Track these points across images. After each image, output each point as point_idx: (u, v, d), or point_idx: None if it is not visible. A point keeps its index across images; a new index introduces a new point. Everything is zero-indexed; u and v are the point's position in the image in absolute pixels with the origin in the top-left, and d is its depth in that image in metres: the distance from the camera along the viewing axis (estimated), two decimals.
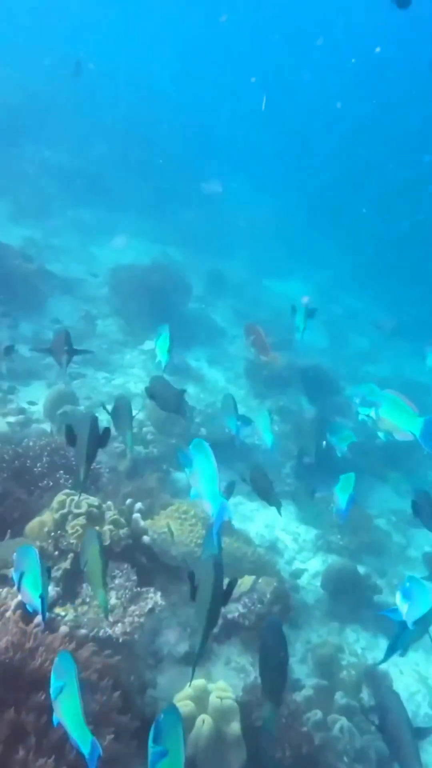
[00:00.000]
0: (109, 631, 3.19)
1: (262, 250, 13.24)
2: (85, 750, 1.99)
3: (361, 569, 5.35)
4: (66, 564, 3.57)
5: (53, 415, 5.69)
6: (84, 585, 3.49)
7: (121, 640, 3.18)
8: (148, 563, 3.83)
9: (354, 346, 11.12)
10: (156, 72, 17.81)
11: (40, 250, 9.22)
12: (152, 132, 14.77)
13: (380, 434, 3.69)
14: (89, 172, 12.48)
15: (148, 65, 18.38)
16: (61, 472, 4.40)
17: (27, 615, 2.84)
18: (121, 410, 4.01)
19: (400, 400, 3.41)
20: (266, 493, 3.94)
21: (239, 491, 6.20)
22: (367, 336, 11.25)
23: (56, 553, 3.60)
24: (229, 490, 4.31)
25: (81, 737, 2.01)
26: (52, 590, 3.16)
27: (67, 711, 2.04)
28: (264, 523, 5.94)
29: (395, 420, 3.44)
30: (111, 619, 3.26)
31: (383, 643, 4.73)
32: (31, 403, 6.01)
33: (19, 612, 2.65)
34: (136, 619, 3.31)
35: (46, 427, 5.56)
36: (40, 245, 9.32)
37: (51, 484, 4.31)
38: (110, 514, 3.77)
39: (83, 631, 3.01)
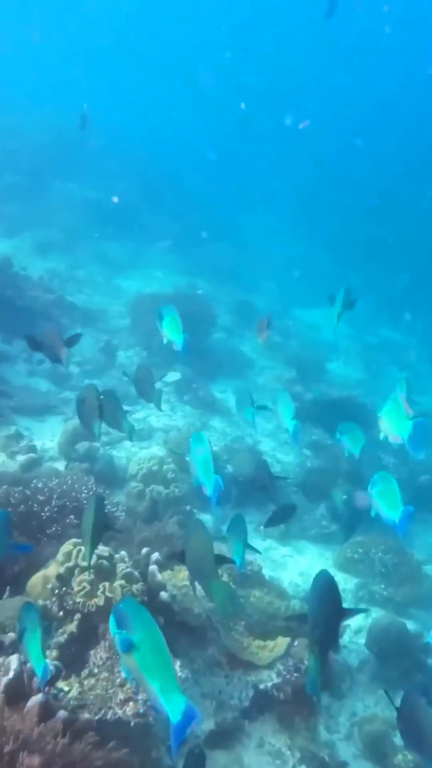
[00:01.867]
0: (119, 713, 2.69)
1: (291, 282, 12.92)
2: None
3: (411, 625, 4.72)
4: (72, 627, 3.10)
5: (68, 452, 5.29)
6: (92, 652, 3.01)
7: (132, 724, 2.67)
8: (166, 624, 3.32)
9: (391, 377, 10.54)
10: (182, 107, 17.94)
11: (62, 282, 9.02)
12: (181, 167, 14.78)
13: (380, 436, 3.50)
14: (117, 207, 12.41)
15: (174, 104, 18.58)
16: (72, 517, 3.96)
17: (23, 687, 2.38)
18: (86, 401, 3.43)
19: (400, 403, 3.31)
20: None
21: (270, 535, 5.67)
22: (406, 366, 10.69)
23: (61, 613, 3.14)
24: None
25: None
26: (52, 664, 2.66)
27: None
28: (298, 570, 5.37)
29: (390, 422, 3.36)
30: (121, 696, 2.76)
31: None
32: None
33: (2, 697, 2.18)
34: None
35: (60, 465, 5.16)
36: (63, 277, 9.12)
37: (60, 530, 3.87)
38: (122, 567, 3.30)
39: (86, 716, 2.51)
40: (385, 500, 3.12)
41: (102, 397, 3.43)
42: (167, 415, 6.69)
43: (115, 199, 11.55)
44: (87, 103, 8.11)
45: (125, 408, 3.72)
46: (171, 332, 3.90)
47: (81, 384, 6.86)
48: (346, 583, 5.30)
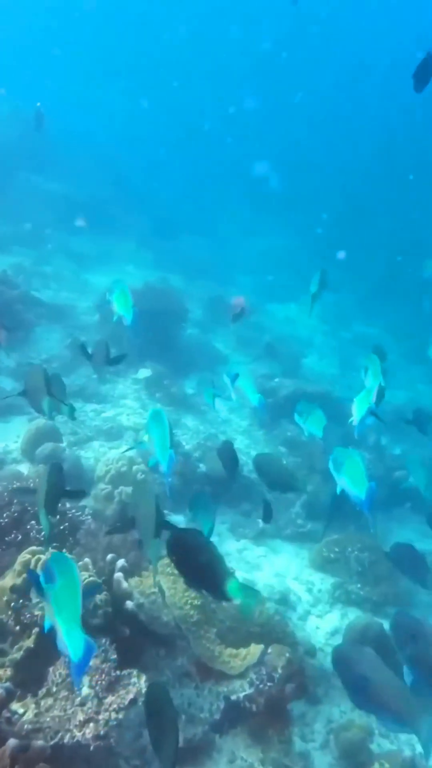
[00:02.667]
0: (78, 735, 2.49)
1: (266, 276, 12.79)
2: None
3: (388, 625, 4.61)
4: (30, 642, 2.89)
5: (32, 455, 5.06)
6: (51, 669, 2.81)
7: (92, 747, 2.48)
8: (132, 635, 3.14)
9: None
10: (156, 100, 17.63)
11: (28, 277, 8.73)
12: (153, 160, 14.52)
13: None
14: (87, 201, 12.13)
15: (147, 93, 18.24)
16: (33, 522, 3.74)
17: None
18: (33, 378, 3.39)
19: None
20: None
21: (243, 534, 5.52)
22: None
23: (17, 627, 2.93)
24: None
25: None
26: (2, 687, 2.45)
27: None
28: (273, 571, 5.22)
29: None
30: (81, 716, 2.57)
31: None
32: None
33: None
34: (114, 714, 2.61)
35: (24, 468, 4.92)
36: (28, 272, 8.83)
37: (19, 537, 3.64)
38: (85, 576, 3.10)
39: (40, 743, 2.31)
40: (350, 477, 3.15)
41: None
42: (138, 413, 6.49)
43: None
44: (41, 101, 7.81)
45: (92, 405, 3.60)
46: (120, 306, 3.84)
47: None
48: (322, 583, 5.17)
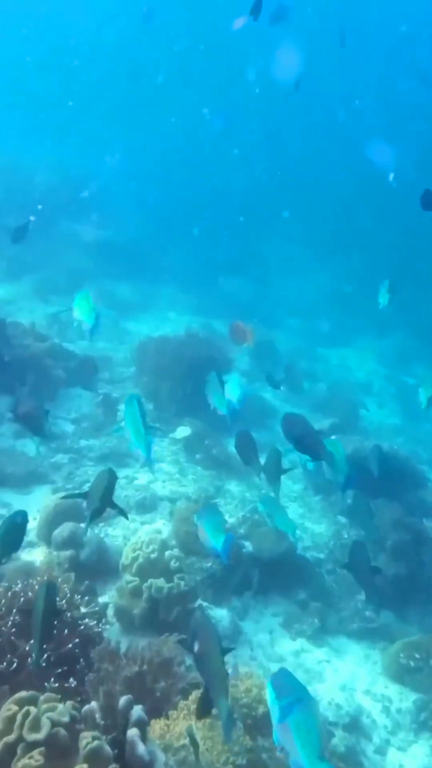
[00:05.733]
0: None
1: (316, 318, 12.00)
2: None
3: None
4: None
5: (49, 537, 4.32)
6: None
7: None
8: None
9: None
10: (199, 136, 17.42)
11: (63, 327, 8.22)
12: (197, 200, 14.15)
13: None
14: (127, 245, 11.76)
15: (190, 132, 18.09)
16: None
17: None
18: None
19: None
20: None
21: (300, 632, 4.56)
22: None
23: None
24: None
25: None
26: None
27: None
28: (339, 681, 4.24)
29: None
30: None
31: None
32: None
33: None
34: None
35: (40, 554, 4.19)
36: (64, 322, 8.32)
37: (15, 663, 2.87)
38: (86, 741, 2.27)
39: None
40: (210, 527, 3.20)
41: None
42: (175, 480, 5.71)
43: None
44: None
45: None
46: (82, 312, 3.97)
47: (76, 444, 5.97)
48: (402, 699, 4.16)
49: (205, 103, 17.01)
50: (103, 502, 2.91)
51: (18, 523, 2.90)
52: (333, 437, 6.76)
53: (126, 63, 21.05)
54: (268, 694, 2.05)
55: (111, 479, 2.97)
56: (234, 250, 13.08)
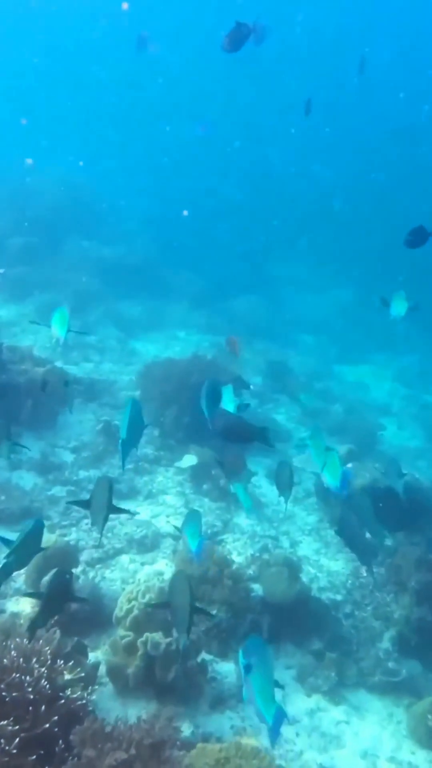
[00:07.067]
0: None
1: (331, 335, 11.61)
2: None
3: None
4: None
5: (38, 585, 3.95)
6: None
7: None
8: None
9: None
10: (211, 158, 17.23)
11: (67, 349, 7.94)
12: (204, 218, 13.90)
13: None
14: (137, 264, 11.50)
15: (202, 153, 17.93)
16: (11, 719, 2.58)
17: None
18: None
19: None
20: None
21: (316, 687, 4.13)
22: None
23: None
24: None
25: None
26: None
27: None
28: (360, 747, 3.79)
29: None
30: None
31: None
32: None
33: None
34: None
35: (26, 606, 3.82)
36: (68, 344, 8.04)
37: None
38: None
39: None
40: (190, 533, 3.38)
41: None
42: (180, 514, 5.33)
43: None
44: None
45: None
46: (56, 326, 4.14)
47: (75, 476, 5.62)
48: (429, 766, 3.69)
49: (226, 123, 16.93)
50: (109, 510, 3.04)
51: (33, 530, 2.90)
52: (349, 465, 6.38)
53: (128, 76, 21.15)
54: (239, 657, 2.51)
55: (111, 485, 3.10)
56: (245, 267, 12.77)
